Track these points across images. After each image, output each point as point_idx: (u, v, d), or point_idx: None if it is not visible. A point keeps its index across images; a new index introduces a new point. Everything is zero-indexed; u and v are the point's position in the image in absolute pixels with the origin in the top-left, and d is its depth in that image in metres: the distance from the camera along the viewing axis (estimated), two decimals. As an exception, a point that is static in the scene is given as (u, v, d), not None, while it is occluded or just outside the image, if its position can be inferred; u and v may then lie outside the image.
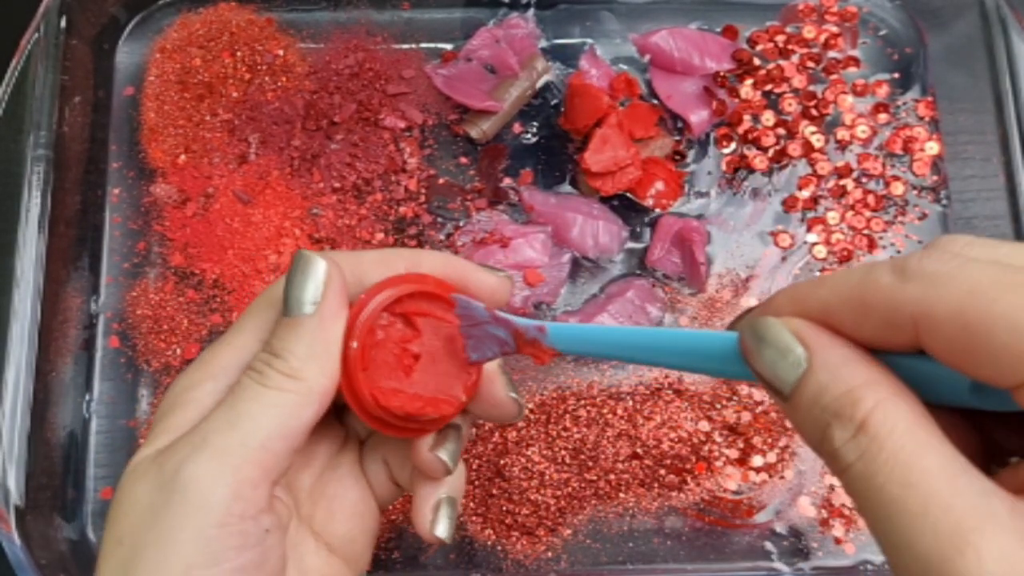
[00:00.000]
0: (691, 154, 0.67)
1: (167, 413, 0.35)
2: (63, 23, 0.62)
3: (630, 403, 0.61)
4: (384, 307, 0.35)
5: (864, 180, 0.67)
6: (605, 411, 0.61)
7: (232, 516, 0.31)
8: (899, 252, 0.65)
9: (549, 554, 0.60)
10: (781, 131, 0.67)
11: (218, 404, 0.34)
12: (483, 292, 0.38)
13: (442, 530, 0.38)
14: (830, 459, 0.26)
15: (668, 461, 0.60)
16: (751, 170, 0.66)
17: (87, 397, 0.62)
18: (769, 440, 0.61)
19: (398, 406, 0.35)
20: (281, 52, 0.68)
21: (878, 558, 0.60)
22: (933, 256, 0.25)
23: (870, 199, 0.66)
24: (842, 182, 0.66)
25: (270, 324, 0.36)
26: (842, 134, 0.67)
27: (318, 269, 0.34)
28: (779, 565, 0.59)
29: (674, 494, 0.60)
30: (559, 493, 0.60)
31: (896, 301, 0.25)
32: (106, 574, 0.32)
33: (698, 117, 0.66)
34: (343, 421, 0.42)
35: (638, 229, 0.65)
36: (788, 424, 0.61)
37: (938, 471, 0.23)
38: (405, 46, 0.68)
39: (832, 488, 0.60)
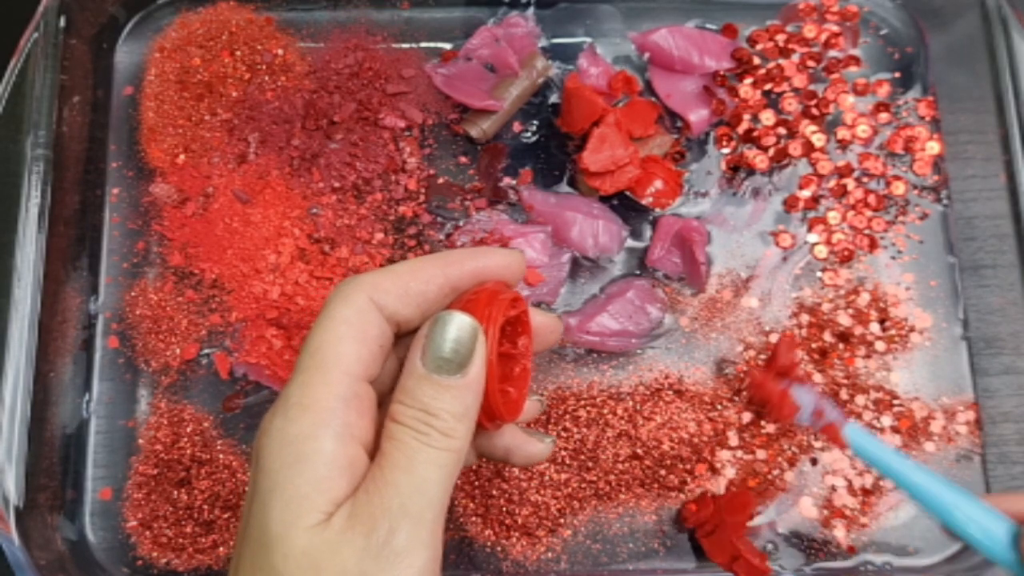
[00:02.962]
0: (690, 153, 0.67)
1: (290, 467, 0.34)
2: (62, 23, 0.62)
3: (630, 403, 0.61)
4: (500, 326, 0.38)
5: (865, 180, 0.66)
6: (605, 411, 0.61)
7: (429, 574, 0.33)
8: (900, 252, 0.65)
9: (549, 554, 0.60)
10: (782, 130, 0.67)
11: (358, 439, 0.35)
12: (536, 328, 0.41)
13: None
14: None
15: (668, 461, 0.60)
16: (751, 170, 0.66)
17: (86, 397, 0.62)
18: (770, 441, 0.61)
19: (511, 414, 0.39)
20: (281, 51, 0.67)
21: (878, 558, 0.60)
22: None
23: (871, 199, 0.66)
24: (843, 182, 0.66)
25: (360, 357, 0.36)
26: (843, 133, 0.67)
27: (465, 329, 0.35)
28: (780, 565, 0.59)
29: (674, 494, 0.60)
30: (559, 494, 0.60)
31: None
32: None
33: (697, 116, 0.66)
34: None
35: (638, 229, 0.65)
36: (789, 425, 0.61)
37: None
38: (405, 45, 0.68)
39: (833, 489, 0.60)
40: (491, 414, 0.37)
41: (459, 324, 0.35)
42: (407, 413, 0.35)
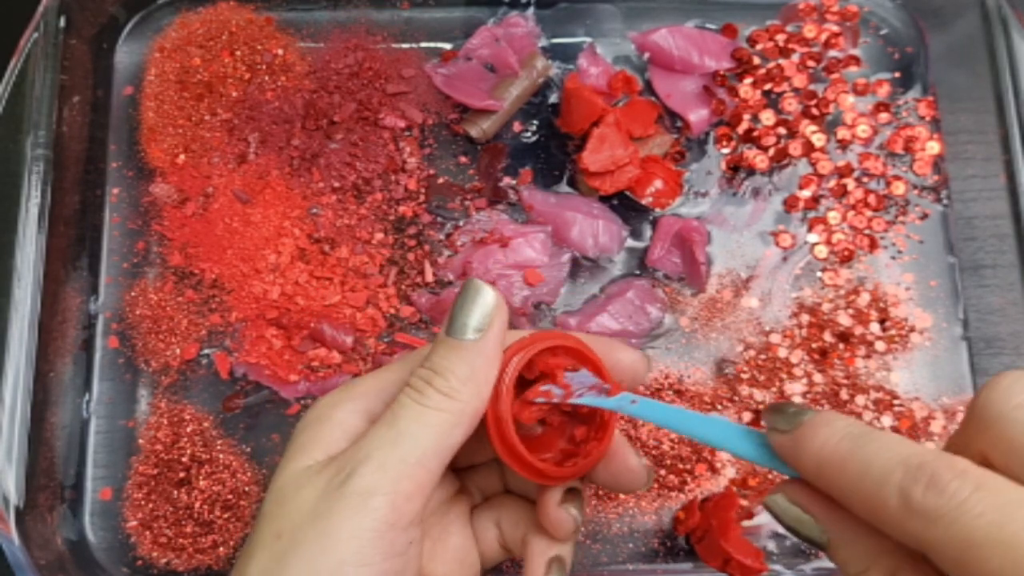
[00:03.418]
0: (690, 153, 0.67)
1: (309, 425, 0.38)
2: (62, 22, 0.62)
3: (630, 403, 0.61)
4: (534, 355, 0.38)
5: (865, 180, 0.66)
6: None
7: (386, 524, 0.34)
8: (900, 252, 0.65)
9: (549, 554, 0.60)
10: (782, 130, 0.67)
11: (373, 421, 0.37)
12: (624, 369, 0.41)
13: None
14: None
15: (668, 461, 0.60)
16: (751, 170, 0.66)
17: (86, 397, 0.62)
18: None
19: (542, 450, 0.38)
20: (280, 51, 0.67)
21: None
22: (933, 492, 0.26)
23: (871, 199, 0.66)
24: (843, 181, 0.66)
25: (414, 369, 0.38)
26: (843, 133, 0.67)
27: (488, 299, 0.37)
28: (779, 566, 0.59)
29: (674, 494, 0.60)
30: (559, 493, 0.60)
31: (901, 528, 0.27)
32: (257, 563, 0.35)
33: (697, 116, 0.66)
34: (459, 476, 0.44)
35: (638, 229, 0.65)
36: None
37: None
38: (405, 45, 0.68)
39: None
40: (504, 445, 0.37)
41: (481, 291, 0.37)
42: (417, 374, 0.37)
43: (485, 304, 0.37)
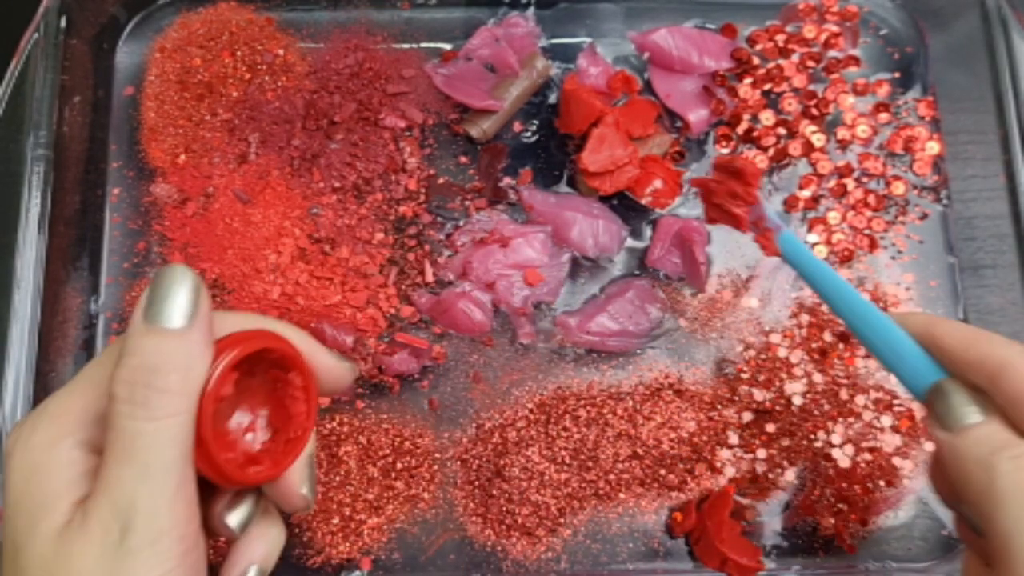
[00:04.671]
0: (690, 153, 0.67)
1: (33, 476, 0.33)
2: (63, 23, 0.62)
3: (630, 403, 0.61)
4: (245, 355, 0.34)
5: (865, 180, 0.66)
6: (605, 411, 0.61)
7: (181, 555, 0.32)
8: (900, 252, 0.65)
9: (549, 554, 0.60)
10: (781, 130, 0.67)
11: (98, 450, 0.32)
12: (327, 375, 0.38)
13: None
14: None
15: (668, 461, 0.60)
16: (751, 170, 0.66)
17: (87, 397, 0.62)
18: (770, 440, 0.61)
19: (225, 460, 0.34)
20: (281, 52, 0.68)
21: (878, 559, 0.60)
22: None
23: (871, 199, 0.66)
24: (843, 182, 0.66)
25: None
26: (843, 134, 0.67)
27: (191, 281, 0.33)
28: (779, 565, 0.59)
29: (674, 494, 0.60)
30: (559, 493, 0.60)
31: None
32: None
33: (697, 116, 0.66)
34: None
35: (638, 229, 0.65)
36: (789, 425, 0.61)
37: None
38: (405, 45, 0.68)
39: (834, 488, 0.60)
40: (207, 462, 0.33)
41: (185, 273, 0.33)
42: (124, 378, 0.32)
43: (190, 287, 0.33)
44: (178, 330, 0.32)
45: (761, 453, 0.61)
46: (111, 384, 0.32)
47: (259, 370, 0.36)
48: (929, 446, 0.61)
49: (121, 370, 0.32)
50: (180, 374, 0.32)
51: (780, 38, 0.68)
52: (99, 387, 0.34)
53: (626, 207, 0.66)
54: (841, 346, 0.63)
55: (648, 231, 0.65)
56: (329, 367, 0.38)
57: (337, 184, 0.65)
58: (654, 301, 0.63)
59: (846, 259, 0.65)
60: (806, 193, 0.66)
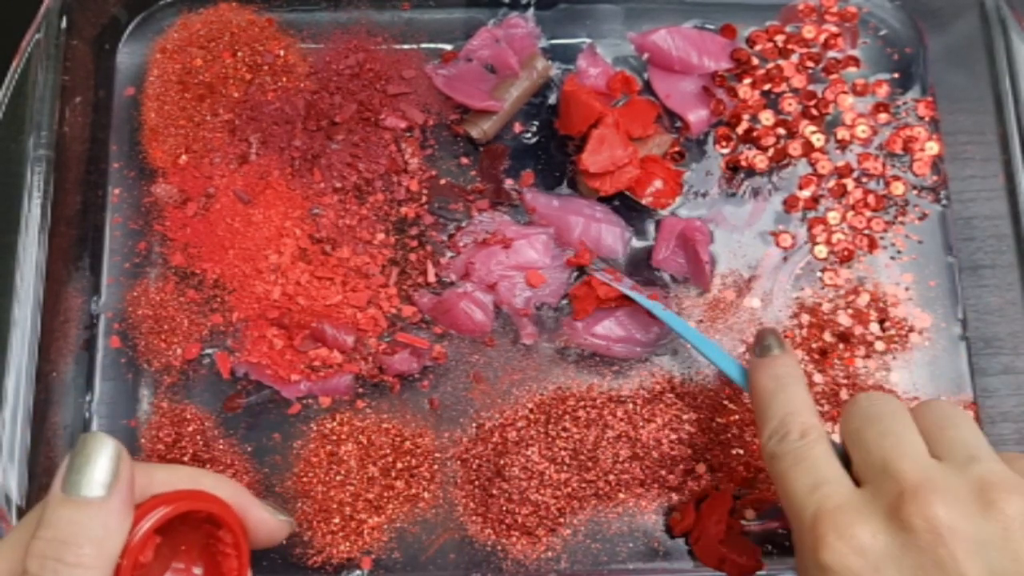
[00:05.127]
0: (690, 154, 0.67)
1: None
2: (64, 23, 0.62)
3: (631, 406, 0.61)
4: (166, 519, 0.34)
5: (864, 180, 0.67)
6: (605, 413, 0.61)
7: None
8: (900, 252, 0.65)
9: (549, 554, 0.60)
10: (781, 131, 0.67)
11: None
12: (260, 530, 0.38)
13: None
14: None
15: (668, 462, 0.60)
16: (751, 170, 0.67)
17: (88, 397, 0.62)
18: (769, 440, 0.61)
19: None
20: (281, 52, 0.68)
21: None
22: (776, 440, 0.48)
23: (870, 199, 0.66)
24: (843, 182, 0.66)
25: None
26: (842, 134, 0.67)
27: (111, 449, 0.32)
28: (779, 565, 0.59)
29: (674, 494, 0.60)
30: (559, 493, 0.60)
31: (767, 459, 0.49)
32: None
33: (697, 116, 0.66)
34: None
35: (639, 230, 0.65)
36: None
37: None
38: (405, 46, 0.69)
39: (832, 488, 0.60)
40: None
41: (103, 442, 0.33)
42: (38, 552, 0.31)
43: (109, 455, 0.32)
44: (95, 499, 0.32)
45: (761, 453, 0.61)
46: (25, 558, 0.31)
47: (193, 525, 0.36)
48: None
49: (35, 543, 0.31)
50: (93, 546, 0.31)
51: (780, 38, 0.68)
52: (19, 557, 0.32)
53: (627, 208, 0.66)
54: (841, 346, 0.63)
55: (650, 232, 0.65)
56: (262, 522, 0.38)
57: (338, 184, 0.65)
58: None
59: (846, 259, 0.65)
60: (806, 193, 0.66)
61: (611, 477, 0.60)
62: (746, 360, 0.46)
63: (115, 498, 0.32)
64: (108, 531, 0.32)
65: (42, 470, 0.57)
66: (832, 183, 0.66)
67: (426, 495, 0.61)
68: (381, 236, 0.64)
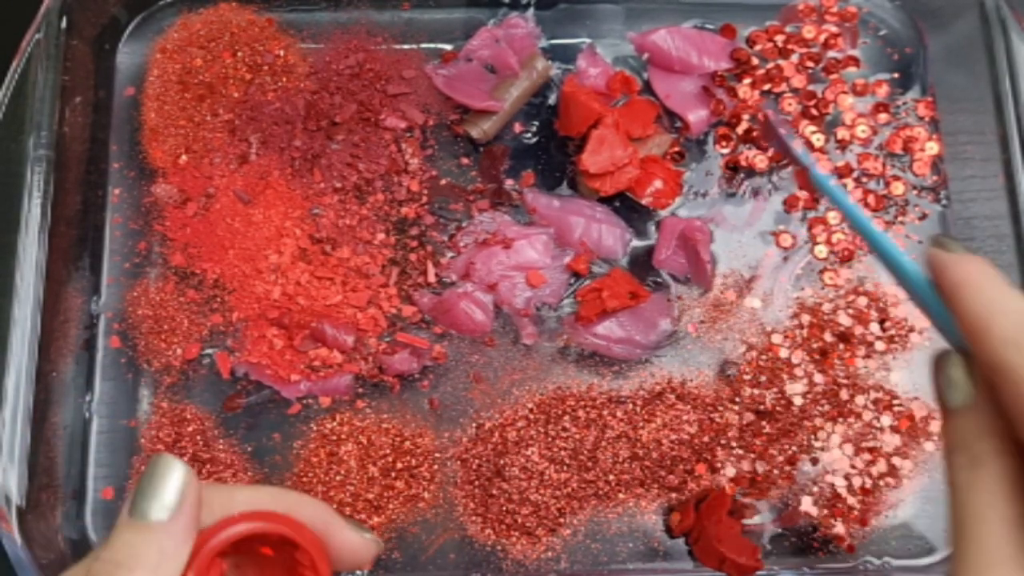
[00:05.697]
0: (689, 154, 0.67)
1: None
2: (64, 24, 0.62)
3: (630, 406, 0.61)
4: (231, 541, 0.33)
5: (864, 180, 0.67)
6: (605, 413, 0.61)
7: None
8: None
9: (549, 554, 0.60)
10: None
11: None
12: (344, 550, 0.37)
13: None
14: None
15: (668, 462, 0.60)
16: (751, 170, 0.67)
17: (88, 397, 0.62)
18: (770, 440, 0.61)
19: None
20: (282, 52, 0.68)
21: (878, 558, 0.60)
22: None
23: (870, 199, 0.66)
24: (843, 182, 0.66)
25: None
26: (842, 134, 0.67)
27: (177, 473, 0.33)
28: (779, 565, 0.60)
29: (674, 494, 0.60)
30: (559, 493, 0.60)
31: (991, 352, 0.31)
32: None
33: (696, 116, 0.66)
34: None
35: (640, 230, 0.65)
36: (789, 425, 0.61)
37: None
38: (405, 46, 0.69)
39: (833, 488, 0.60)
40: None
41: (171, 465, 0.33)
42: (94, 572, 0.31)
43: (175, 479, 0.32)
44: (154, 523, 0.32)
45: (761, 453, 0.61)
46: None
47: (275, 546, 0.36)
48: (929, 446, 0.62)
49: (94, 564, 0.32)
50: (146, 570, 0.31)
51: (779, 38, 0.68)
52: None
53: (627, 208, 0.66)
54: (841, 346, 0.63)
55: (650, 232, 0.65)
56: (347, 542, 0.37)
57: (338, 185, 0.65)
58: (666, 315, 0.63)
59: (846, 259, 0.65)
60: (806, 193, 0.66)
61: (611, 477, 0.60)
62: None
63: (174, 522, 0.32)
64: (164, 555, 0.32)
65: (42, 470, 0.57)
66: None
67: (426, 495, 0.61)
68: (381, 236, 0.64)
